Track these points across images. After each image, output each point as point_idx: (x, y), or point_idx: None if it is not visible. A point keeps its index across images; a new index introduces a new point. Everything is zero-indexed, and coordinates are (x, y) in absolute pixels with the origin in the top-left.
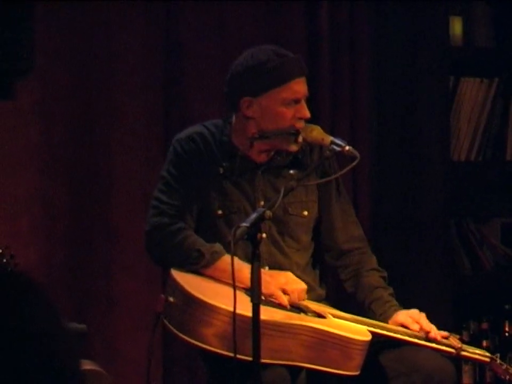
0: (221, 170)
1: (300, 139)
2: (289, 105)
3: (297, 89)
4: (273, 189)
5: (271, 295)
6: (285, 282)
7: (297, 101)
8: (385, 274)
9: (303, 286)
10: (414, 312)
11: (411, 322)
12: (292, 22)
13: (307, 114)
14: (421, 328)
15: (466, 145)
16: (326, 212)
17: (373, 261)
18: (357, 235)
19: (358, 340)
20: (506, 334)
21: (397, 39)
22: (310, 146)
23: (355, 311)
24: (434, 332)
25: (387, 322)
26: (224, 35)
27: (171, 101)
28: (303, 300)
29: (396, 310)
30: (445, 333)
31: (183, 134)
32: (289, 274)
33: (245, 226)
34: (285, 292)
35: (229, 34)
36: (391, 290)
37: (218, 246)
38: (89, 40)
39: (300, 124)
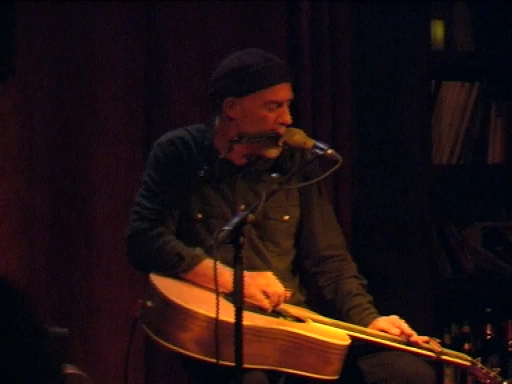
0: (201, 174)
1: (281, 143)
2: (271, 109)
3: (281, 94)
4: (253, 194)
5: (252, 297)
6: (265, 284)
7: (279, 105)
8: (365, 282)
9: (283, 288)
10: (394, 318)
11: (391, 327)
12: (273, 26)
13: (288, 119)
14: (402, 332)
15: (448, 149)
16: (306, 216)
17: (353, 268)
18: (337, 242)
19: (336, 344)
20: (488, 337)
21: (378, 43)
22: (291, 151)
23: (335, 316)
24: (415, 336)
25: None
26: (205, 39)
27: (152, 105)
28: (282, 302)
29: (374, 318)
30: (425, 338)
31: (163, 138)
32: (269, 275)
33: (227, 229)
34: (265, 294)
35: (209, 38)
36: (370, 298)
37: (199, 250)
38: (69, 44)
39: (281, 129)
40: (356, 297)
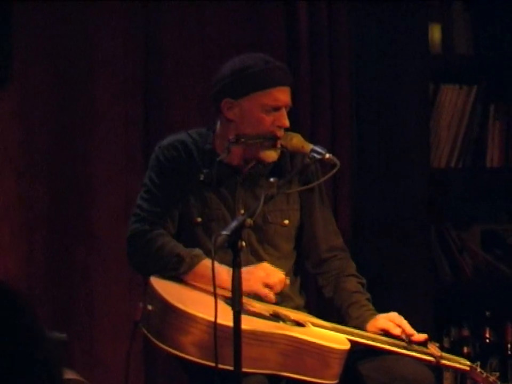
0: (202, 177)
1: (278, 145)
2: (269, 112)
3: (279, 97)
4: (254, 198)
5: (256, 292)
6: (265, 276)
7: (277, 109)
8: (364, 281)
9: (282, 275)
10: (394, 315)
11: (393, 326)
12: (271, 27)
13: (286, 123)
14: (403, 332)
15: (446, 152)
16: (308, 219)
17: (352, 267)
18: (337, 244)
19: (336, 349)
20: (487, 340)
21: (376, 46)
22: (291, 154)
23: (334, 320)
24: (416, 335)
25: (364, 326)
26: (204, 40)
27: (151, 107)
28: (287, 286)
29: (372, 314)
30: (425, 335)
31: (165, 142)
32: (266, 265)
33: (225, 234)
34: (267, 286)
35: (208, 39)
36: (368, 295)
37: (197, 250)
38: (68, 45)
39: (279, 132)
40: (354, 295)
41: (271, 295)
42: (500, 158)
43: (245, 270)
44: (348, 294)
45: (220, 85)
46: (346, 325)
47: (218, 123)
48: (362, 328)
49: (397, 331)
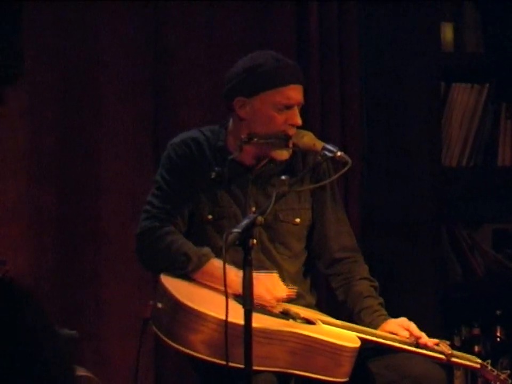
0: (213, 175)
1: (290, 144)
2: (281, 110)
3: (291, 95)
4: (265, 196)
5: (259, 298)
6: (271, 286)
7: (289, 107)
8: (376, 284)
9: (287, 291)
10: (403, 320)
11: (400, 329)
12: (281, 27)
13: (298, 121)
14: (411, 334)
15: (458, 151)
16: (319, 219)
17: (365, 270)
18: (349, 245)
19: (347, 347)
20: (498, 339)
21: (387, 45)
22: (303, 153)
23: (346, 317)
24: (425, 338)
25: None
26: (213, 40)
27: (160, 106)
28: (290, 297)
29: (384, 320)
30: (435, 340)
31: (177, 139)
32: (275, 277)
33: (236, 232)
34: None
35: (217, 39)
36: (381, 300)
37: (206, 249)
38: (77, 46)
39: (291, 131)
40: (367, 299)
41: (274, 304)
42: (511, 157)
43: (254, 276)
44: (360, 299)
45: (232, 83)
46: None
47: (231, 120)
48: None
49: (404, 334)
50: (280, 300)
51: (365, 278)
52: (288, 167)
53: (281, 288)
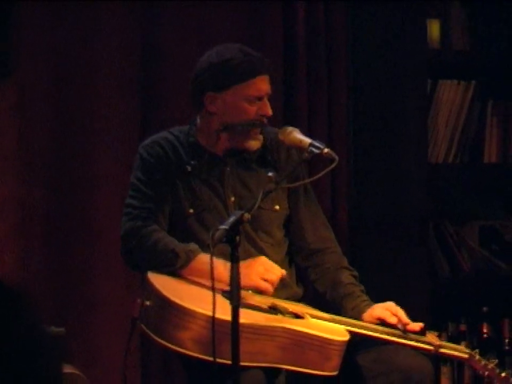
0: (189, 169)
1: (260, 134)
2: (252, 102)
3: (261, 87)
4: (242, 185)
5: (255, 287)
6: (264, 271)
7: (260, 98)
8: (356, 273)
9: (281, 271)
10: (391, 305)
11: (389, 315)
12: (269, 26)
13: (269, 111)
14: (399, 321)
15: (444, 148)
16: (294, 213)
17: (343, 260)
18: (326, 235)
19: (336, 340)
20: (485, 335)
21: (374, 42)
22: (276, 145)
23: (330, 308)
24: (412, 324)
25: (360, 316)
26: (202, 39)
27: (149, 105)
28: (284, 276)
29: (368, 305)
30: (420, 324)
31: (147, 141)
32: (264, 260)
33: (223, 228)
34: (266, 281)
35: (206, 39)
36: (362, 287)
37: (193, 245)
38: (67, 44)
39: (263, 120)
40: (348, 286)
41: (270, 289)
42: (497, 154)
43: (244, 264)
44: (341, 286)
45: (200, 79)
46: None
47: (198, 117)
48: (359, 318)
49: (393, 320)
50: (277, 280)
51: (344, 268)
52: (262, 156)
53: (275, 268)
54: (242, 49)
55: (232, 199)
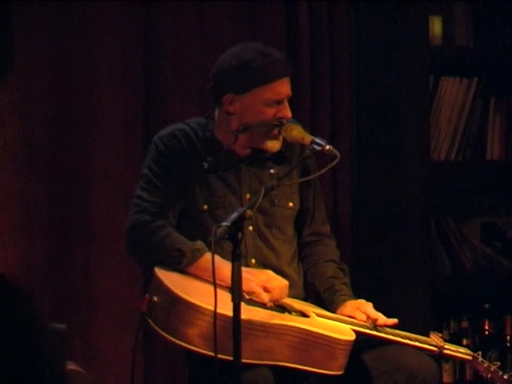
0: (206, 165)
1: (281, 135)
2: (271, 105)
3: (280, 90)
4: (258, 182)
5: (251, 293)
6: (266, 280)
7: (279, 102)
8: (345, 267)
9: (285, 283)
10: (361, 302)
11: (358, 313)
12: (272, 22)
13: (288, 114)
14: (368, 317)
15: (446, 145)
16: (305, 206)
17: (334, 253)
18: (322, 231)
19: (342, 340)
20: (486, 332)
21: (376, 39)
22: (291, 145)
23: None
24: (382, 319)
25: (335, 313)
26: (204, 36)
27: (150, 102)
28: (285, 297)
29: (344, 300)
30: (394, 320)
31: (164, 132)
32: (270, 272)
33: (225, 225)
34: (266, 290)
35: (208, 35)
36: (345, 280)
37: (200, 244)
38: (68, 41)
39: (283, 122)
40: (330, 280)
41: (265, 297)
42: (499, 151)
43: (248, 270)
44: (324, 279)
45: (220, 80)
46: (327, 311)
47: (217, 112)
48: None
49: (361, 317)
50: (278, 293)
51: (332, 261)
52: (279, 154)
53: (276, 280)
54: (263, 50)
55: (248, 196)
